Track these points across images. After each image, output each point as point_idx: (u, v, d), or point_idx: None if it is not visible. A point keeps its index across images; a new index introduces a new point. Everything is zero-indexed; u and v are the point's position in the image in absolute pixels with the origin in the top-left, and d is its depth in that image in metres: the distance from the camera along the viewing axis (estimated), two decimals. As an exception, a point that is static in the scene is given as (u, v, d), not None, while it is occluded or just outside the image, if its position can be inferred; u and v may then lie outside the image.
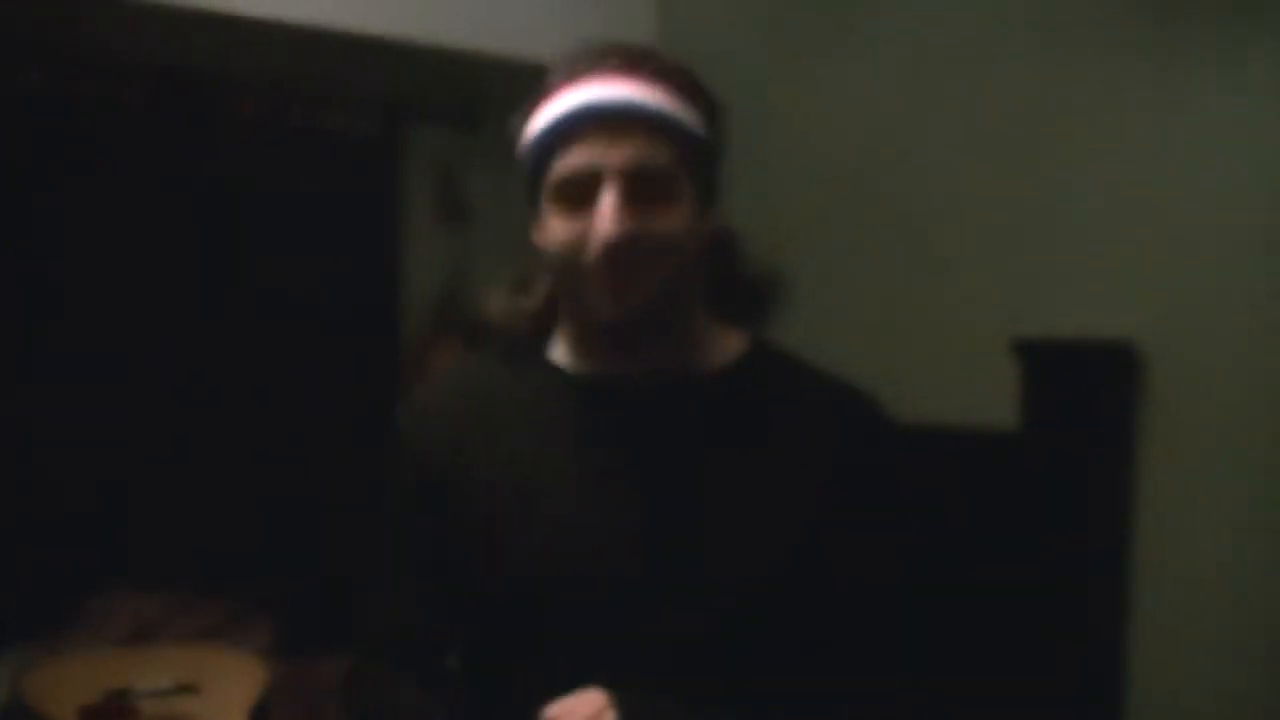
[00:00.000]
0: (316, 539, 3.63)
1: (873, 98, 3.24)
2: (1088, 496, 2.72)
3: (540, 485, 1.40)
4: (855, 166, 3.24)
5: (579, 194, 1.33)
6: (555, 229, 1.36)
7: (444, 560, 1.43)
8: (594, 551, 1.35)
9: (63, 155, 3.40)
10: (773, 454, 1.38)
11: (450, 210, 3.89)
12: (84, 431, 3.33)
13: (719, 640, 1.32)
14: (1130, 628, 2.69)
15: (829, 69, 3.34)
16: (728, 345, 1.47)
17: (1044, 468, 2.77)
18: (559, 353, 1.48)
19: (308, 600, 3.36)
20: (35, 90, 3.36)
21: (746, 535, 1.35)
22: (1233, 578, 2.56)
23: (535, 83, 1.40)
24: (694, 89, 1.39)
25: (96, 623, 3.05)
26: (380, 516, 1.51)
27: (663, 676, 1.30)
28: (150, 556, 3.30)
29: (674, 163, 1.34)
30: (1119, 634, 2.69)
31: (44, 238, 3.36)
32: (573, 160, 1.33)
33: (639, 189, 1.32)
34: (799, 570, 1.34)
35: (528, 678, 1.35)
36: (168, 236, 3.55)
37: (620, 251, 1.31)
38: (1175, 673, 2.61)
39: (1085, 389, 2.75)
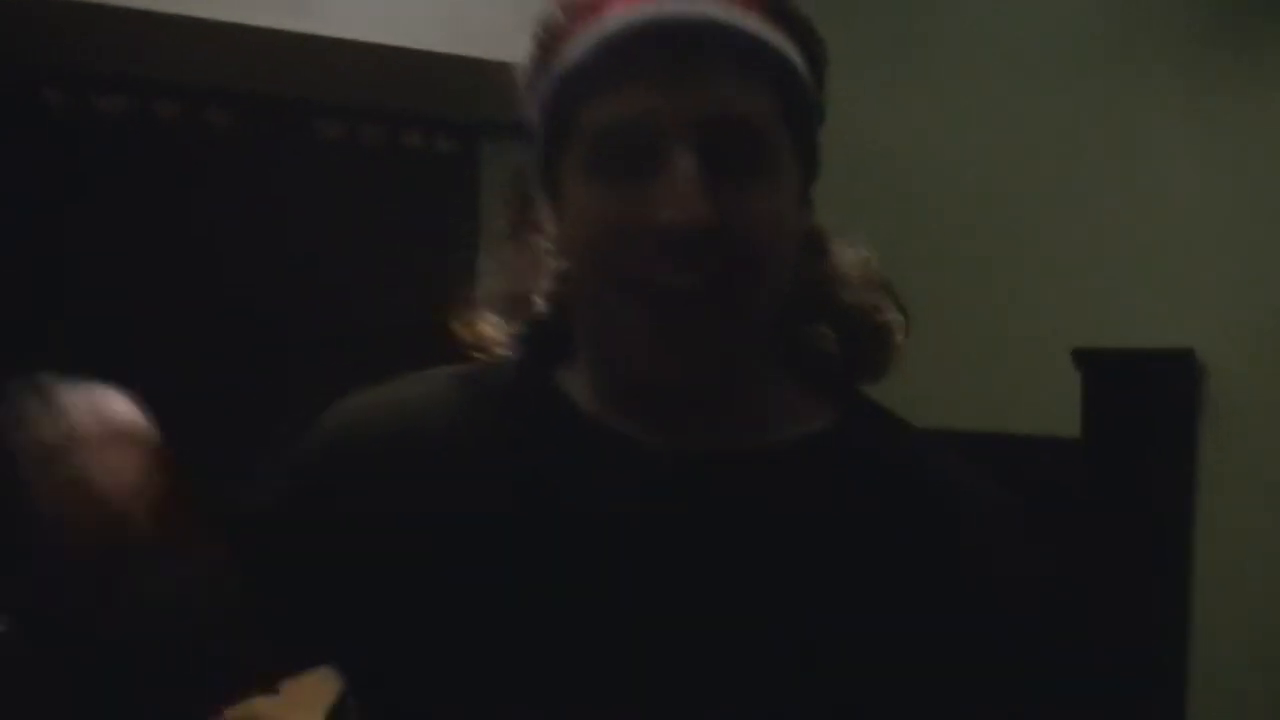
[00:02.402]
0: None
1: (934, 111, 3.26)
2: (1149, 504, 2.73)
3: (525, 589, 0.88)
4: (916, 179, 3.27)
5: (627, 158, 0.85)
6: (585, 209, 0.88)
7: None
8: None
9: (150, 178, 3.52)
10: (881, 589, 0.87)
11: (527, 227, 3.95)
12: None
13: None
14: (1191, 637, 2.69)
15: (887, 82, 3.36)
16: (804, 408, 0.97)
17: (1105, 475, 2.78)
18: (576, 384, 0.97)
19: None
20: (122, 115, 3.49)
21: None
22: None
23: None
24: (795, 15, 0.92)
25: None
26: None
27: None
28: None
29: (775, 116, 0.87)
30: (1181, 643, 2.69)
31: (135, 258, 3.47)
32: (621, 105, 0.85)
33: (723, 154, 0.84)
34: None
35: None
36: (251, 255, 3.65)
37: (698, 246, 0.83)
38: (1236, 682, 2.61)
39: (1146, 398, 2.75)
